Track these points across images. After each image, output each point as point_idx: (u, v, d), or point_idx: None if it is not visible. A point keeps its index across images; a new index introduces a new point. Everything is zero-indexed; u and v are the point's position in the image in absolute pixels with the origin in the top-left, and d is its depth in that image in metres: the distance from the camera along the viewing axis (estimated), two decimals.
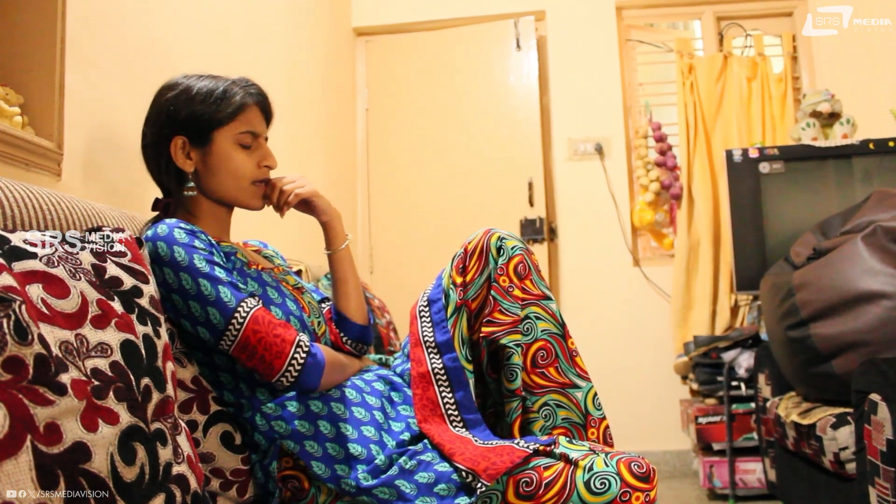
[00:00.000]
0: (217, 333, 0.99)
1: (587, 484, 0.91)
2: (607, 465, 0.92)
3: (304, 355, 1.01)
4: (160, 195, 1.19)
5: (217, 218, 1.17)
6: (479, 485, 0.91)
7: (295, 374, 1.00)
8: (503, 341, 1.06)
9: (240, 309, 0.99)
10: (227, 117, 1.11)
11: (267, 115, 1.19)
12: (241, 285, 1.04)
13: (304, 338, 1.03)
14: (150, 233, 1.02)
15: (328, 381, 1.05)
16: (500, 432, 1.10)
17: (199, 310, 0.98)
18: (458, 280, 1.11)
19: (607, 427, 1.08)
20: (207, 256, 1.01)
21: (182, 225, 1.03)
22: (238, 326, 0.98)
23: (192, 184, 1.12)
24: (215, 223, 1.16)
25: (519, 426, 1.06)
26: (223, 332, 0.98)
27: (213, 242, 1.05)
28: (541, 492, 0.91)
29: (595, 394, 1.09)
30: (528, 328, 1.08)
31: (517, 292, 1.08)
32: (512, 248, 1.10)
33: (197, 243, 1.01)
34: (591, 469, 0.92)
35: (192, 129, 1.10)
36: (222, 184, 1.13)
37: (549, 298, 1.11)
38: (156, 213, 1.17)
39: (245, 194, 1.15)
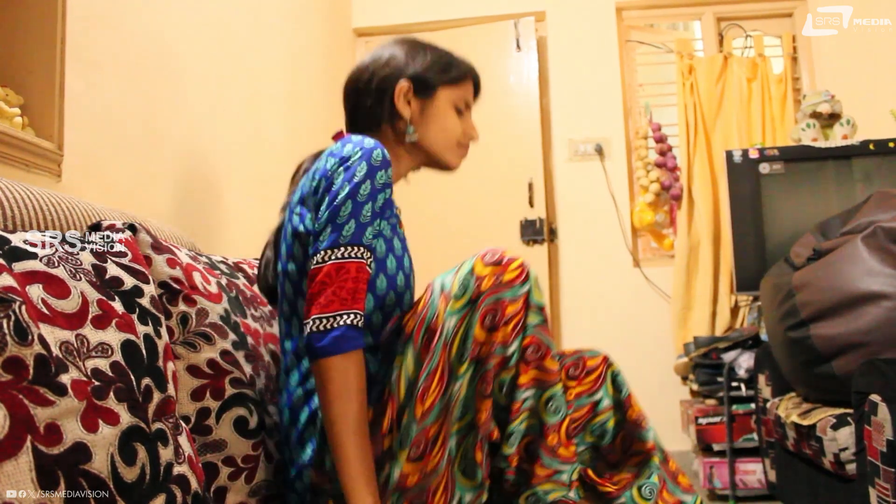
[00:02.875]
0: (320, 246, 0.97)
1: (455, 296, 0.95)
2: (468, 274, 0.95)
3: (350, 324, 0.93)
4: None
5: (402, 166, 1.21)
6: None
7: (327, 329, 0.93)
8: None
9: (344, 249, 0.96)
10: (454, 80, 1.17)
11: (478, 94, 1.26)
12: (369, 235, 0.99)
13: (356, 317, 0.94)
14: (355, 138, 1.03)
15: (331, 376, 0.93)
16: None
17: (325, 217, 0.98)
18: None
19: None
20: (373, 191, 1.00)
21: (383, 149, 1.03)
22: (326, 257, 0.96)
23: (413, 128, 1.15)
24: (398, 169, 1.20)
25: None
26: (325, 248, 0.96)
27: (391, 185, 1.05)
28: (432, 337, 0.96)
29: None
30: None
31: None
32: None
33: (379, 176, 1.01)
34: (461, 284, 0.95)
35: (422, 78, 1.15)
36: (432, 136, 1.18)
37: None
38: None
39: (449, 152, 1.21)
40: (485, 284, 0.94)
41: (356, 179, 0.99)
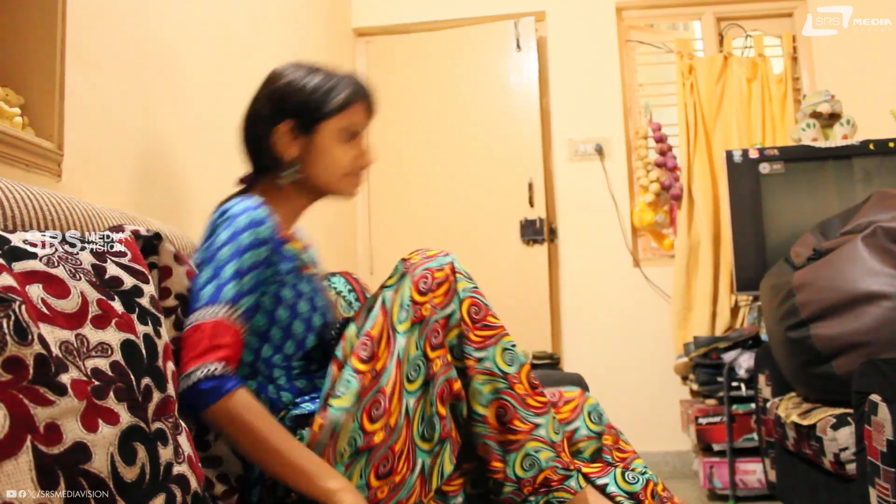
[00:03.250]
0: (190, 308, 0.98)
1: (398, 317, 1.03)
2: (405, 291, 1.04)
3: (191, 382, 0.92)
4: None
5: (296, 205, 1.20)
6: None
7: (184, 389, 0.92)
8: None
9: (213, 307, 0.97)
10: (335, 110, 1.15)
11: (371, 112, 1.23)
12: (245, 298, 1.01)
13: (208, 369, 0.93)
14: (237, 199, 1.07)
15: (224, 430, 0.94)
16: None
17: (207, 274, 1.00)
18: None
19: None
20: (255, 260, 1.03)
21: (265, 209, 1.06)
22: (196, 317, 0.96)
23: (292, 169, 1.15)
24: (292, 210, 1.20)
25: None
26: (192, 309, 0.97)
27: (277, 240, 1.08)
28: (375, 353, 1.02)
29: (553, 417, 1.09)
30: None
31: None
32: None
33: (263, 232, 1.04)
34: (400, 303, 1.04)
35: (301, 116, 1.14)
36: (319, 172, 1.17)
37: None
38: (240, 188, 1.22)
39: (340, 184, 1.19)
40: (413, 260, 1.06)
41: (240, 246, 1.01)
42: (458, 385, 1.06)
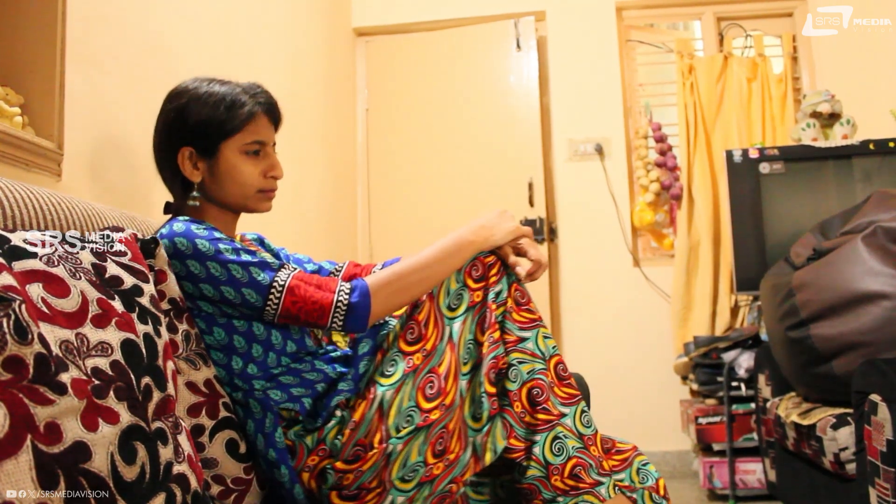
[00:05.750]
0: (257, 310, 1.03)
1: (448, 306, 1.11)
2: (458, 282, 1.12)
3: (343, 310, 1.03)
4: (161, 195, 1.19)
5: (223, 222, 1.18)
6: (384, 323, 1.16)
7: (340, 324, 1.04)
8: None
9: (275, 284, 1.02)
10: (235, 128, 1.10)
11: (275, 121, 1.19)
12: (270, 261, 1.05)
13: (343, 291, 1.05)
14: (165, 230, 1.04)
15: (384, 308, 1.07)
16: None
17: (234, 293, 1.01)
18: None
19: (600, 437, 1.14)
20: (230, 244, 1.04)
21: (196, 222, 1.06)
22: (276, 301, 1.02)
23: (196, 194, 1.13)
24: (223, 227, 1.17)
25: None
26: (262, 308, 1.02)
27: (230, 238, 1.08)
28: (423, 334, 1.09)
29: (583, 411, 1.12)
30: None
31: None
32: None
33: (217, 234, 1.05)
34: (448, 292, 1.11)
35: (200, 140, 1.10)
36: (228, 193, 1.14)
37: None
38: (168, 217, 1.18)
39: (251, 201, 1.16)
40: (475, 297, 1.12)
41: (210, 252, 1.02)
42: (504, 360, 1.11)
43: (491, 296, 1.11)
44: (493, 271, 1.13)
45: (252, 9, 2.18)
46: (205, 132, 1.10)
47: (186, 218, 1.07)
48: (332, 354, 1.16)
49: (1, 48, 1.21)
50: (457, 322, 1.08)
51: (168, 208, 1.18)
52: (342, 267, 1.36)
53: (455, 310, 1.09)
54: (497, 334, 1.10)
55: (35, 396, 0.62)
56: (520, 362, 1.11)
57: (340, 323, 1.04)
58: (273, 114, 1.17)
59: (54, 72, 1.21)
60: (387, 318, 1.15)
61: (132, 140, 1.47)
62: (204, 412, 1.00)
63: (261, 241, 1.32)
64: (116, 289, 0.81)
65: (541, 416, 1.09)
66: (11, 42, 1.21)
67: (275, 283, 1.02)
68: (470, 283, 1.11)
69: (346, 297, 1.04)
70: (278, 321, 1.04)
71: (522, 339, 1.12)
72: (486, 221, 1.16)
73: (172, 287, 0.99)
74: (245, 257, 1.03)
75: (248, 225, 2.00)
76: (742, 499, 2.52)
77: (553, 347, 1.13)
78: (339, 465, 1.00)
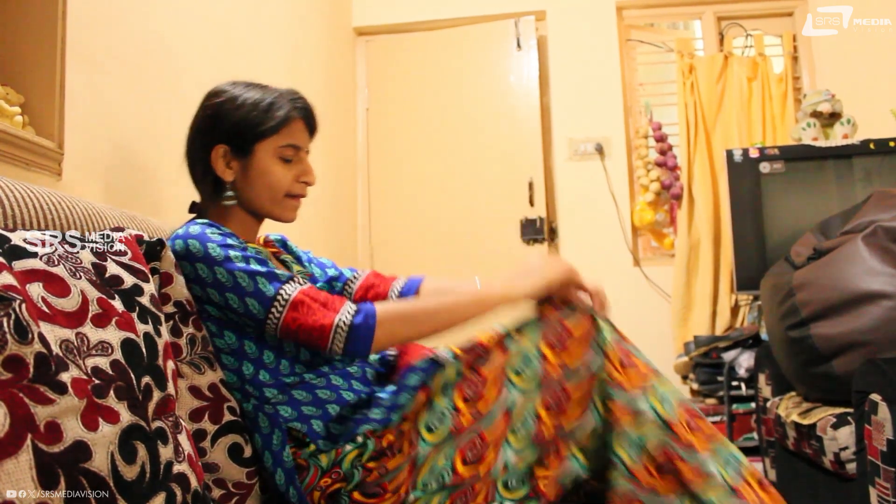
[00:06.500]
0: (259, 322, 1.00)
1: (516, 371, 1.01)
2: (531, 342, 1.02)
3: (344, 332, 0.98)
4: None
5: (247, 227, 1.17)
6: (441, 357, 1.04)
7: (341, 347, 0.99)
8: None
9: (279, 297, 0.99)
10: (271, 130, 1.11)
11: (311, 129, 1.19)
12: (278, 273, 1.02)
13: (347, 312, 0.99)
14: (181, 231, 1.04)
15: (389, 340, 1.00)
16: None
17: (238, 301, 1.00)
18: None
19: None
20: (241, 252, 1.02)
21: (213, 226, 1.05)
22: (278, 315, 0.99)
23: (231, 193, 1.13)
24: (244, 231, 1.17)
25: None
26: (264, 320, 1.00)
27: (243, 242, 1.07)
28: (482, 393, 1.00)
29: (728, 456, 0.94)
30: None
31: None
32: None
33: (230, 241, 1.03)
34: (521, 354, 1.02)
35: (235, 139, 1.11)
36: (258, 195, 1.13)
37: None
38: (191, 216, 1.19)
39: (279, 207, 1.15)
40: (547, 311, 1.03)
41: (219, 258, 1.00)
42: (564, 451, 0.98)
43: (566, 374, 0.97)
44: (577, 349, 0.99)
45: (252, 9, 2.18)
46: (241, 131, 1.10)
47: (205, 221, 1.06)
48: (350, 369, 1.11)
49: (1, 48, 1.21)
50: (518, 394, 0.96)
51: (193, 208, 1.18)
52: (361, 275, 1.32)
53: (521, 375, 0.98)
54: (563, 419, 0.96)
55: (35, 396, 0.62)
56: (632, 428, 0.95)
57: (341, 346, 0.98)
58: (310, 120, 1.17)
59: (54, 72, 1.21)
60: (446, 358, 1.04)
61: (132, 140, 1.47)
62: (207, 417, 0.99)
63: (284, 243, 1.31)
64: (116, 288, 0.81)
65: (677, 482, 0.92)
66: (11, 42, 1.21)
67: (279, 296, 0.99)
68: (546, 350, 0.99)
69: (350, 318, 0.98)
70: (280, 336, 1.01)
71: (629, 402, 0.96)
72: (528, 267, 1.06)
73: (179, 290, 0.99)
74: (254, 266, 1.00)
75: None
76: None
77: (669, 395, 0.97)
78: (356, 495, 0.97)
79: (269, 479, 1.03)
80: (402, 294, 1.27)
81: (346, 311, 0.99)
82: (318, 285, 1.26)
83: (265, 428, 1.03)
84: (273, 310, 0.99)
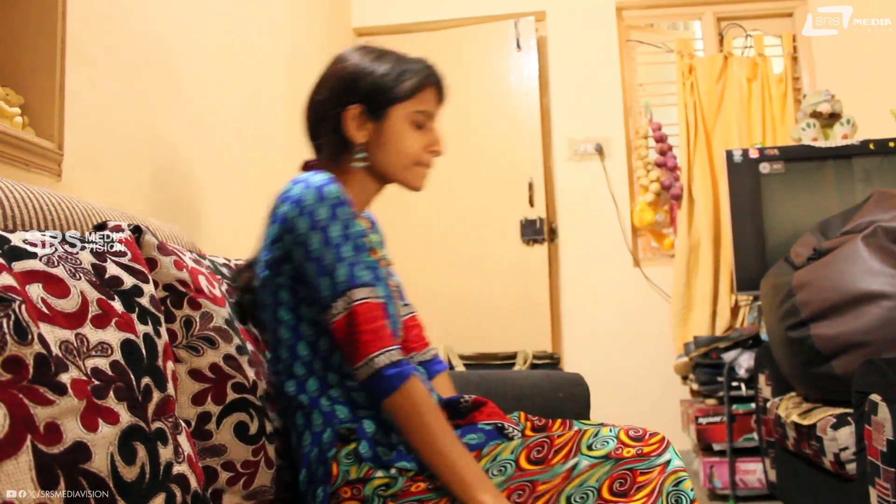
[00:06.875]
0: (323, 304, 0.98)
1: (589, 445, 0.96)
2: (610, 431, 0.97)
3: (375, 371, 0.94)
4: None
5: (367, 193, 1.16)
6: (510, 429, 0.99)
7: (363, 378, 0.96)
8: None
9: (348, 294, 0.96)
10: (406, 94, 1.09)
11: (441, 99, 1.17)
12: (362, 271, 0.99)
13: (387, 357, 0.95)
14: (302, 177, 1.02)
15: (393, 415, 0.96)
16: None
17: (313, 273, 0.98)
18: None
19: None
20: (344, 228, 0.99)
21: (336, 185, 1.01)
22: (338, 311, 0.96)
23: (363, 154, 1.10)
24: (361, 197, 1.15)
25: None
26: (327, 306, 0.97)
27: (354, 216, 1.03)
28: (550, 455, 0.96)
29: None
30: None
31: None
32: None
33: (340, 212, 1.00)
34: (596, 434, 0.97)
35: (370, 100, 1.08)
36: (387, 159, 1.11)
37: None
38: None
39: (408, 173, 1.14)
40: (625, 453, 0.95)
41: (322, 223, 0.98)
42: None
43: (645, 464, 0.93)
44: (654, 440, 0.96)
45: (252, 9, 2.18)
46: (377, 93, 1.08)
47: (332, 176, 1.02)
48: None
49: (1, 48, 1.21)
50: (586, 460, 0.93)
51: (307, 166, 1.15)
52: (410, 311, 1.27)
53: (592, 449, 0.95)
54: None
55: (35, 397, 0.62)
56: None
57: (362, 378, 0.95)
58: (441, 91, 1.16)
59: (54, 72, 1.21)
60: (514, 431, 1.02)
61: (132, 140, 1.47)
62: (210, 399, 0.97)
63: (373, 223, 1.28)
64: (116, 289, 0.81)
65: None
66: (11, 42, 1.21)
67: (348, 293, 0.96)
68: (624, 438, 0.96)
69: (385, 363, 0.94)
70: (332, 327, 0.97)
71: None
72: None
73: (166, 272, 0.97)
74: (346, 250, 0.98)
75: (254, 217, 2.00)
76: (742, 499, 2.52)
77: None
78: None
79: (303, 470, 1.01)
80: (421, 366, 1.21)
81: (386, 356, 0.95)
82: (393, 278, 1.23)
83: (317, 426, 1.01)
84: (336, 303, 0.97)
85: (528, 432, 1.05)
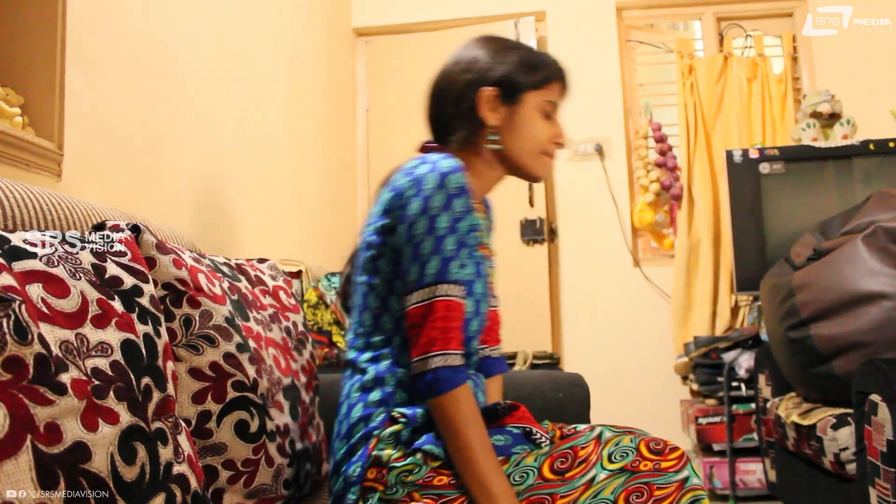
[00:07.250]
0: (407, 289, 0.98)
1: (609, 455, 0.95)
2: (631, 442, 0.96)
3: (427, 367, 0.94)
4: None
5: (489, 178, 1.15)
6: (538, 435, 0.99)
7: (416, 372, 0.96)
8: None
9: (432, 288, 0.96)
10: (541, 82, 1.11)
11: (566, 93, 1.19)
12: (457, 268, 0.99)
13: (445, 359, 0.95)
14: (433, 158, 1.01)
15: (438, 412, 0.96)
16: None
17: (408, 256, 0.98)
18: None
19: None
20: (453, 222, 0.99)
21: (462, 174, 1.00)
22: (417, 300, 0.97)
23: (496, 137, 1.10)
24: (483, 182, 1.15)
25: None
26: (411, 291, 0.98)
27: (472, 209, 1.02)
28: (573, 466, 0.96)
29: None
30: None
31: None
32: None
33: (457, 203, 0.99)
34: (617, 444, 0.97)
35: (506, 84, 1.09)
36: (517, 144, 1.11)
37: None
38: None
39: (535, 161, 1.13)
40: (642, 466, 0.95)
41: (433, 211, 0.97)
42: None
43: (662, 479, 0.93)
44: (674, 455, 0.96)
45: (252, 9, 2.18)
46: (514, 78, 1.09)
47: (460, 164, 1.02)
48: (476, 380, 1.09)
49: (1, 48, 1.21)
50: (604, 472, 0.94)
51: (425, 149, 1.14)
52: (494, 304, 1.26)
53: (612, 461, 0.95)
54: None
55: (35, 397, 0.62)
56: None
57: (417, 372, 0.95)
58: (566, 86, 1.18)
59: (54, 72, 1.21)
60: (544, 439, 1.02)
61: (132, 140, 1.47)
62: (210, 397, 0.97)
63: (489, 207, 1.27)
64: (116, 289, 0.81)
65: None
66: (11, 42, 1.21)
67: (433, 287, 0.96)
68: (644, 450, 0.97)
69: (442, 364, 0.94)
70: (406, 312, 0.98)
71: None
72: None
73: (165, 270, 0.97)
74: (448, 244, 0.97)
75: (254, 217, 2.00)
76: (742, 499, 2.52)
77: None
78: None
79: (338, 453, 1.01)
80: (483, 362, 1.23)
81: (444, 357, 0.95)
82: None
83: (373, 402, 1.01)
84: (418, 292, 0.97)
85: (555, 440, 1.04)
